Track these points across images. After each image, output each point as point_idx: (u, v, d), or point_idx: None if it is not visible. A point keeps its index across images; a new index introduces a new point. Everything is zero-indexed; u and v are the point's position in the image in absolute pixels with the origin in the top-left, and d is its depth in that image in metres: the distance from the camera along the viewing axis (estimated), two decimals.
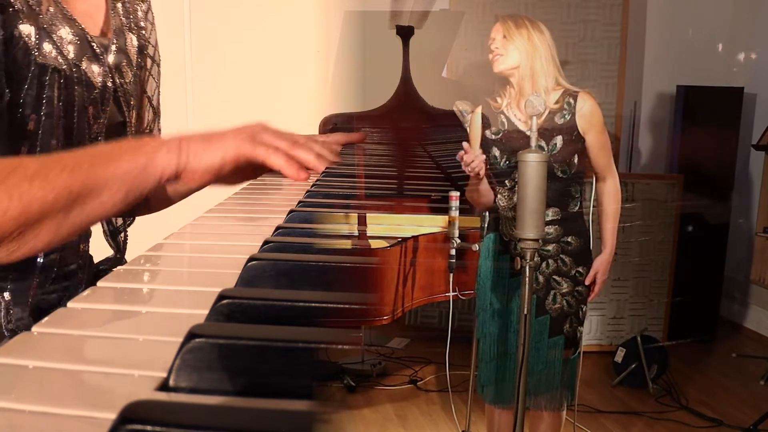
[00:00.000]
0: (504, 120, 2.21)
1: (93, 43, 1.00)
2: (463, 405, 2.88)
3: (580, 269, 2.18)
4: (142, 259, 0.96)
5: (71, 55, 0.95)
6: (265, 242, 0.93)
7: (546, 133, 2.12)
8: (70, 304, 0.75)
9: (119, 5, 1.09)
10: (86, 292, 0.80)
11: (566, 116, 2.12)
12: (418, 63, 3.49)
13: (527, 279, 1.85)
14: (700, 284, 4.11)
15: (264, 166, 0.79)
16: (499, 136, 2.21)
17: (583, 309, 2.22)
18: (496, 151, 2.20)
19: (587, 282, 2.20)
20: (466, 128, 2.34)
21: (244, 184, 1.64)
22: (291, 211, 1.23)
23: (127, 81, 1.07)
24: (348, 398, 3.39)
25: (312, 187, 1.83)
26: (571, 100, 2.12)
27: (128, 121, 1.08)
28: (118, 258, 1.17)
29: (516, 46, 2.12)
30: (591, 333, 3.87)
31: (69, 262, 1.03)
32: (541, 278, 2.17)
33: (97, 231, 1.16)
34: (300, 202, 1.49)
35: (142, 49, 1.13)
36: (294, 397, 0.51)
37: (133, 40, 1.11)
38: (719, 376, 3.72)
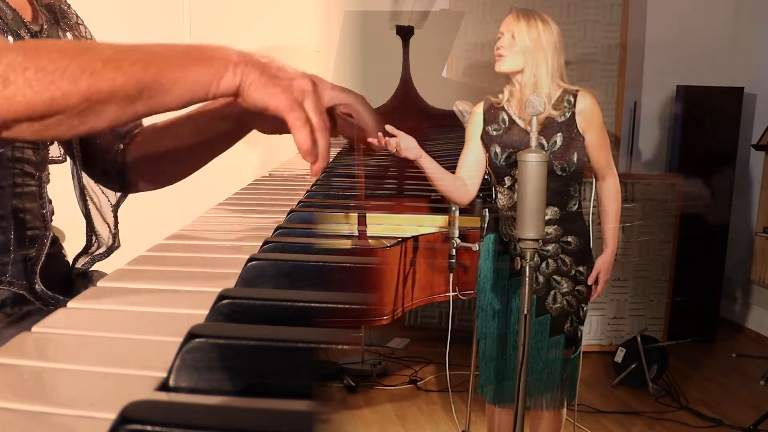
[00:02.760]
0: (505, 117, 2.20)
1: (26, 22, 1.03)
2: (463, 405, 2.88)
3: (580, 269, 2.18)
4: (142, 259, 0.96)
5: (11, 24, 0.98)
6: (265, 242, 0.94)
7: (546, 130, 2.11)
8: (70, 304, 0.75)
9: (45, 10, 1.13)
10: (86, 292, 0.80)
11: (566, 114, 2.12)
12: (418, 63, 3.49)
13: (527, 279, 1.85)
14: (700, 284, 4.10)
15: None
16: (499, 132, 2.21)
17: (584, 308, 2.22)
18: (496, 148, 2.20)
19: (590, 282, 2.19)
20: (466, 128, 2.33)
21: (248, 182, 1.64)
22: (291, 211, 1.23)
23: None
24: (348, 398, 3.39)
25: (312, 187, 1.84)
26: (571, 98, 2.12)
27: None
28: (112, 243, 1.19)
29: (522, 50, 2.09)
30: (591, 333, 3.87)
31: (31, 225, 1.06)
32: (541, 278, 2.17)
33: (82, 228, 1.18)
34: (300, 202, 1.49)
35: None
36: (294, 397, 0.51)
37: (67, 35, 1.14)
38: (719, 376, 3.72)
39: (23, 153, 1.03)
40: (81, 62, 0.68)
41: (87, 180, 1.21)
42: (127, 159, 1.19)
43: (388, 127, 2.08)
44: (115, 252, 1.22)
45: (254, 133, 1.05)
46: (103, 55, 0.70)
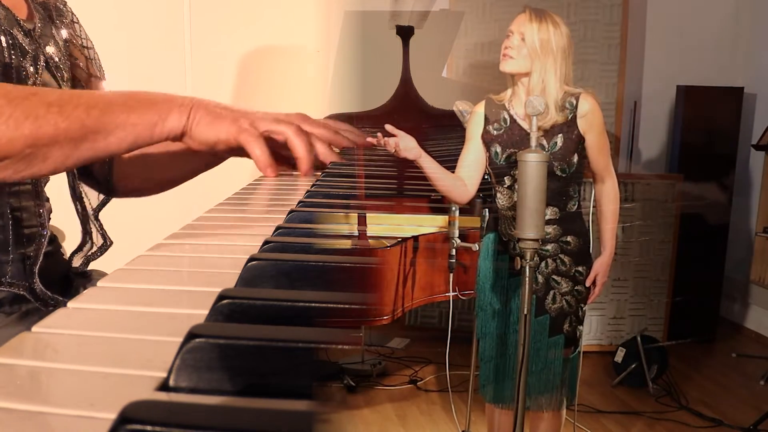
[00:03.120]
0: (506, 116, 2.20)
1: (20, 20, 1.04)
2: (463, 405, 2.88)
3: (579, 269, 2.18)
4: (142, 259, 0.96)
5: (3, 22, 0.99)
6: (265, 242, 0.93)
7: (547, 131, 2.11)
8: (70, 304, 0.75)
9: (40, 8, 1.13)
10: (86, 292, 0.80)
11: (567, 116, 2.12)
12: (418, 63, 3.49)
13: (527, 279, 1.85)
14: (700, 284, 4.11)
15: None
16: (500, 132, 2.20)
17: (583, 308, 2.22)
18: (497, 147, 2.20)
19: (587, 284, 2.19)
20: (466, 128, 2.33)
21: (248, 182, 1.64)
22: (291, 211, 1.23)
23: (57, 59, 1.11)
24: (348, 398, 3.40)
25: (312, 187, 1.83)
26: (573, 101, 2.12)
27: None
28: (103, 242, 1.20)
29: (530, 53, 2.07)
30: (591, 333, 3.87)
31: (29, 224, 1.06)
32: (540, 278, 2.17)
33: (74, 221, 1.18)
34: (300, 202, 1.48)
35: (71, 40, 1.18)
36: (294, 397, 0.51)
37: (62, 33, 1.16)
38: (719, 376, 3.72)
39: None
40: (25, 108, 0.69)
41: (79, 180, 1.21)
42: (114, 164, 1.20)
43: (388, 127, 2.08)
44: (116, 252, 1.22)
45: None
46: (47, 99, 0.71)
